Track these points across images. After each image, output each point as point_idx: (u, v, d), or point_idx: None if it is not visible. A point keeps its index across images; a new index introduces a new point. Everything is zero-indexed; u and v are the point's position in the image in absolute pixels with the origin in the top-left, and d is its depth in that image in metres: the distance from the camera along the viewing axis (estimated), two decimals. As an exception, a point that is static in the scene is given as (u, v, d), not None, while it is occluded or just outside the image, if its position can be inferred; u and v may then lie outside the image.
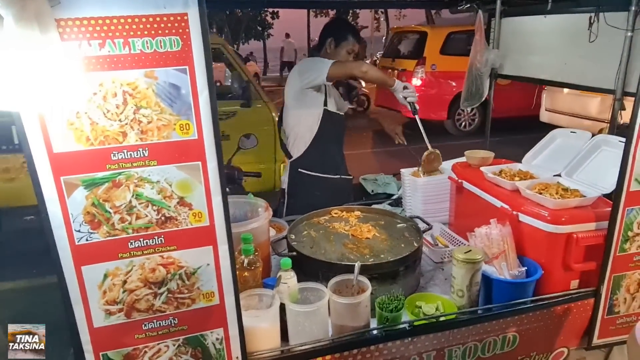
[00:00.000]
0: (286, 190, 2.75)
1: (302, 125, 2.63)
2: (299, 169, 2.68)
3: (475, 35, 2.58)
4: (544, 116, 7.34)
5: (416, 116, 2.51)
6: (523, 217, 1.67)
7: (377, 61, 11.82)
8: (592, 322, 1.69)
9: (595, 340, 1.71)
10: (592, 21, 1.76)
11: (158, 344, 1.26)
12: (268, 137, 4.60)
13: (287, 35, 19.70)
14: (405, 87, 2.46)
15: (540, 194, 1.69)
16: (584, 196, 1.68)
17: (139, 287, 1.20)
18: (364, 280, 1.51)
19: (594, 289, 1.66)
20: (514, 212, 1.70)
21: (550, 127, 2.46)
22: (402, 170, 2.48)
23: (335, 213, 2.14)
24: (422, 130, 2.48)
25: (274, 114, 4.72)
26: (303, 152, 2.67)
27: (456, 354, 1.55)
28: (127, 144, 1.10)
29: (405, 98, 2.45)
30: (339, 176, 2.75)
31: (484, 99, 2.58)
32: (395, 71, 9.18)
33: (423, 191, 2.32)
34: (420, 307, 1.60)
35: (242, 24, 23.17)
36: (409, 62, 8.95)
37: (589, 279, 1.66)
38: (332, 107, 2.64)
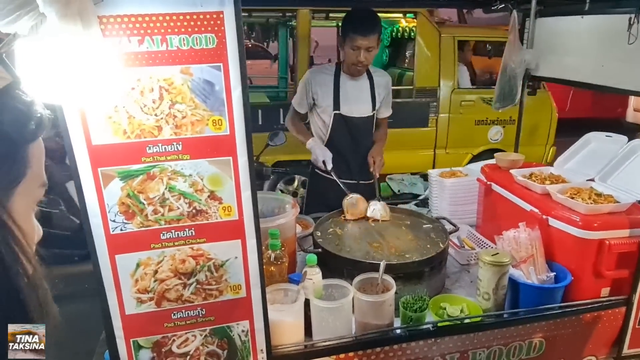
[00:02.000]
0: (306, 189, 2.74)
1: (315, 127, 2.58)
2: (315, 169, 2.60)
3: (509, 36, 2.53)
4: (630, 116, 7.16)
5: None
6: (553, 222, 1.64)
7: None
8: (622, 331, 1.65)
9: (626, 350, 1.67)
10: (631, 22, 1.71)
11: (186, 333, 1.30)
12: (545, 121, 5.28)
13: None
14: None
15: (572, 198, 1.66)
16: (618, 202, 1.63)
17: (169, 277, 1.23)
18: (389, 279, 1.51)
19: (625, 297, 1.61)
20: (544, 216, 1.67)
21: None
22: (430, 171, 2.46)
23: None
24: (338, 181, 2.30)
25: (552, 101, 5.28)
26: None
27: (480, 357, 1.54)
28: (162, 138, 1.13)
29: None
30: (355, 181, 2.52)
31: (517, 101, 2.53)
32: None
33: (450, 192, 2.30)
34: (445, 309, 1.59)
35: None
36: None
37: (620, 287, 1.62)
38: (347, 111, 2.45)
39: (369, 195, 2.50)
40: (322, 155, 2.37)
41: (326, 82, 2.45)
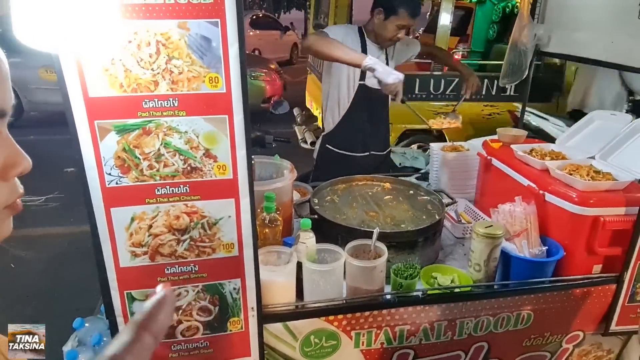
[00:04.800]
0: (315, 162, 2.74)
1: (333, 99, 2.50)
2: (327, 145, 2.60)
3: (519, 10, 2.48)
4: None
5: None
6: (549, 197, 1.64)
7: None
8: (611, 308, 1.66)
9: (613, 327, 1.69)
10: (643, -4, 1.67)
11: (179, 288, 1.32)
12: None
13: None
14: (372, 69, 2.06)
15: (570, 174, 1.65)
16: (617, 179, 1.62)
17: (163, 232, 1.25)
18: (382, 246, 1.53)
19: (617, 274, 1.62)
20: (541, 192, 1.66)
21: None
22: (432, 145, 2.45)
23: (361, 181, 2.15)
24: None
25: None
26: (333, 127, 2.57)
27: (468, 326, 1.56)
28: (158, 93, 1.13)
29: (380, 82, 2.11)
30: (367, 153, 2.61)
31: (525, 76, 2.50)
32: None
33: (451, 166, 2.29)
34: (436, 278, 1.61)
35: (285, -8, 22.91)
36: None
37: (612, 264, 1.63)
38: (372, 82, 2.40)
39: (378, 165, 2.66)
40: (396, 75, 2.06)
41: (356, 46, 2.37)
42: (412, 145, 4.84)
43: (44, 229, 3.95)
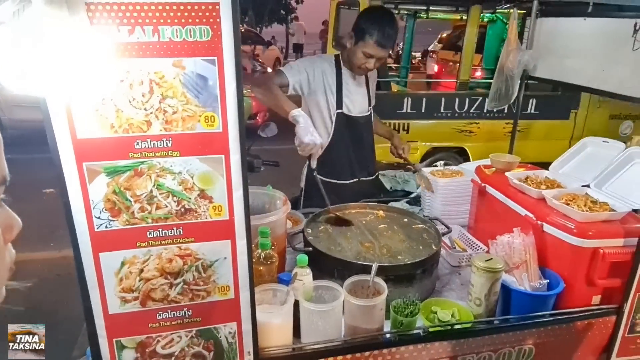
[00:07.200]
0: (303, 190, 2.67)
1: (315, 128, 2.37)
2: (314, 174, 2.54)
3: (507, 35, 2.50)
4: None
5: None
6: (548, 228, 1.62)
7: (438, 54, 11.43)
8: (612, 339, 1.64)
9: (614, 358, 1.67)
10: (637, 28, 1.68)
11: (171, 334, 1.26)
12: None
13: (296, 18, 19.84)
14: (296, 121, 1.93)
15: (568, 204, 1.64)
16: (614, 210, 1.62)
17: (155, 276, 1.19)
18: (380, 282, 1.49)
19: (616, 306, 1.61)
20: (539, 222, 1.65)
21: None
22: (423, 169, 2.43)
23: (354, 209, 2.11)
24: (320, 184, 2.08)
25: None
26: (318, 157, 2.39)
27: (469, 363, 1.53)
28: (151, 134, 1.08)
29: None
30: (356, 179, 2.52)
31: (512, 100, 2.51)
32: (458, 64, 8.89)
33: (443, 192, 2.27)
34: (436, 313, 1.57)
35: (267, 7, 23.00)
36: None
37: (612, 295, 1.61)
38: (349, 110, 2.36)
39: (366, 191, 2.56)
40: (312, 137, 1.92)
41: (330, 76, 2.32)
42: (437, 162, 5.03)
43: (22, 254, 3.80)
